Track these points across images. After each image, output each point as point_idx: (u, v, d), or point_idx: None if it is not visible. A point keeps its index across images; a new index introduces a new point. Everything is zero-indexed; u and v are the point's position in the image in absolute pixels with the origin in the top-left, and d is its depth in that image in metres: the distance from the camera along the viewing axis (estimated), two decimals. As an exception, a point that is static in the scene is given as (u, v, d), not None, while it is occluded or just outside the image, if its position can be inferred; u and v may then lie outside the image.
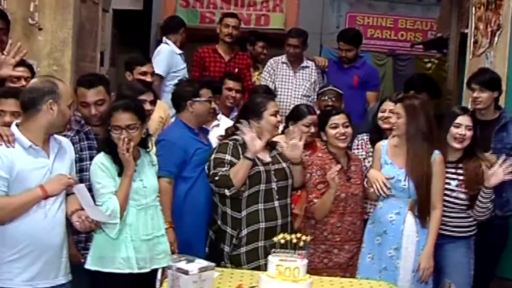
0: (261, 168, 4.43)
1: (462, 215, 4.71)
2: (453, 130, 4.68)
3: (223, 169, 4.36)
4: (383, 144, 4.72)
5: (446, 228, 4.68)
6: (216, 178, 4.36)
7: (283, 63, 6.84)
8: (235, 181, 4.31)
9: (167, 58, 6.37)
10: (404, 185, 4.55)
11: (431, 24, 11.12)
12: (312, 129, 5.05)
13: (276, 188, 4.46)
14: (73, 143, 4.09)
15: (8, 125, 3.72)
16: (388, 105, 5.11)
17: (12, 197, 3.52)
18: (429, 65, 11.43)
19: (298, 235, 3.86)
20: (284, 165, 4.56)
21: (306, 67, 6.85)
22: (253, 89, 6.25)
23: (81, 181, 4.03)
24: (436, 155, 4.55)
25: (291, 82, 6.81)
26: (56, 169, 3.68)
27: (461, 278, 4.67)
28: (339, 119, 4.79)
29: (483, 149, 4.88)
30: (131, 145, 3.91)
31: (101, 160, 3.98)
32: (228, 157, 4.41)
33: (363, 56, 7.56)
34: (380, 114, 5.18)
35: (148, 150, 4.24)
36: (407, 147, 4.57)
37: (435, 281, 4.71)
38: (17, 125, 3.65)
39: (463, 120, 4.70)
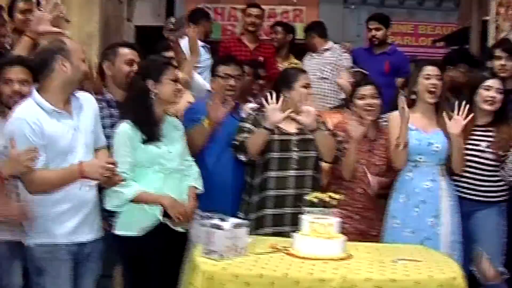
0: (276, 137, 4.50)
1: (493, 179, 4.71)
2: (483, 92, 4.70)
3: (243, 135, 4.51)
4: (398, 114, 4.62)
5: (476, 193, 4.70)
6: (235, 143, 4.53)
7: None
8: (250, 148, 4.44)
9: (185, 50, 6.42)
10: (437, 147, 4.58)
11: (452, 29, 11.10)
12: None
13: (296, 158, 4.53)
14: None
15: (18, 93, 3.81)
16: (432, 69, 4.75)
17: (51, 171, 3.61)
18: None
19: (331, 194, 3.93)
20: (311, 136, 4.58)
21: (327, 49, 7.02)
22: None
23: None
24: None
25: (307, 66, 6.91)
26: (81, 129, 3.76)
27: (493, 247, 4.67)
28: (366, 90, 4.78)
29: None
30: None
31: (124, 129, 4.03)
32: (248, 125, 4.57)
33: (392, 43, 7.65)
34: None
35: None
36: (442, 107, 4.63)
37: (467, 249, 4.69)
38: (37, 90, 3.69)
39: (494, 83, 4.72)
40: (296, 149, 4.54)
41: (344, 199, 4.56)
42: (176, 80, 4.16)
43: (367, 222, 4.75)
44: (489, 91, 4.69)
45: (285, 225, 4.46)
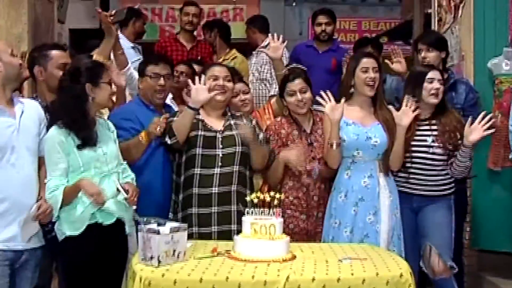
0: (200, 132, 4.52)
1: (441, 173, 4.74)
2: (427, 86, 4.73)
3: (174, 119, 4.55)
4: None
5: (425, 188, 4.73)
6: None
7: None
8: (175, 129, 4.46)
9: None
10: (376, 141, 4.57)
11: (395, 24, 11.22)
12: (242, 97, 5.10)
13: (221, 155, 4.52)
14: None
15: None
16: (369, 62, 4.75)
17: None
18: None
19: (272, 193, 3.90)
20: (235, 132, 4.59)
21: (264, 47, 6.82)
22: None
23: None
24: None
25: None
26: (23, 130, 3.86)
27: (441, 240, 4.70)
28: (295, 85, 4.80)
29: None
30: None
31: (55, 134, 3.97)
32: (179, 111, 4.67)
33: (335, 38, 7.72)
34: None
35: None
36: (379, 99, 4.67)
37: (415, 245, 4.73)
38: None
39: (434, 74, 4.78)
40: (221, 146, 4.54)
41: (289, 197, 4.66)
42: (110, 83, 4.15)
43: (313, 221, 4.75)
44: (433, 83, 4.73)
45: (211, 225, 4.46)
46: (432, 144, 4.71)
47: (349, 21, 12.09)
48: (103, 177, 4.03)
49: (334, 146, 4.49)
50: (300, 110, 4.77)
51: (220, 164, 4.49)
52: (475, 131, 4.50)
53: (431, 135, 4.72)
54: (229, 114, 4.72)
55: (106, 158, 4.06)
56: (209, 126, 4.57)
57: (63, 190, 3.87)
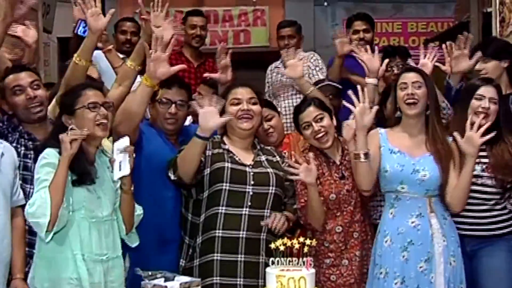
0: (228, 164, 4.54)
1: (496, 208, 4.68)
2: (474, 103, 4.68)
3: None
4: (380, 131, 4.68)
5: (478, 227, 4.68)
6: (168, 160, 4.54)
7: None
8: (180, 161, 4.42)
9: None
10: (424, 175, 4.53)
11: (449, 25, 11.16)
12: (266, 125, 5.20)
13: (251, 193, 4.54)
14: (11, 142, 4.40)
15: None
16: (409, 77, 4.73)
17: None
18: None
19: (301, 239, 3.87)
20: (270, 170, 4.64)
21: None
22: None
23: (24, 180, 4.33)
24: (450, 141, 4.60)
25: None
26: (3, 171, 4.08)
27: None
28: (308, 115, 4.84)
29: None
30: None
31: (48, 152, 3.98)
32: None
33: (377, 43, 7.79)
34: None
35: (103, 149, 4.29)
36: (431, 123, 4.59)
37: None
38: None
39: (487, 91, 4.70)
40: (252, 182, 4.56)
41: (322, 245, 4.71)
42: (91, 106, 4.07)
43: (361, 261, 4.79)
44: (482, 101, 4.68)
45: (237, 276, 4.46)
46: (482, 174, 4.68)
47: (392, 22, 12.11)
48: (94, 222, 4.03)
49: (362, 157, 4.49)
50: (322, 144, 4.80)
51: (249, 204, 4.51)
52: None
53: (480, 162, 4.66)
54: (258, 147, 4.77)
55: (100, 202, 4.07)
56: (237, 159, 4.60)
57: (48, 187, 3.84)
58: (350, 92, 4.58)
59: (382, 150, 4.60)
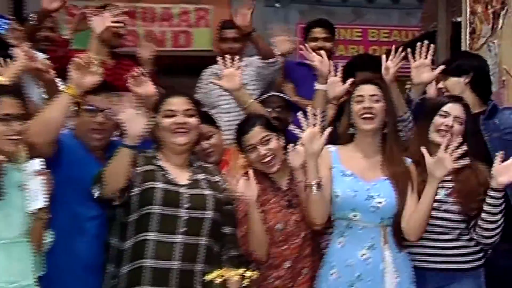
0: (159, 184, 4.34)
1: (462, 238, 4.62)
2: (437, 119, 4.67)
3: None
4: (331, 150, 4.51)
5: (441, 259, 4.59)
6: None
7: None
8: (106, 176, 4.26)
9: None
10: (379, 202, 4.36)
11: (414, 34, 10.97)
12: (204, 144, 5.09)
13: (185, 218, 4.31)
14: None
15: None
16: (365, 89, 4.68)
17: None
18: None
19: (240, 270, 3.91)
20: (207, 192, 4.45)
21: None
22: None
23: None
24: (409, 163, 4.54)
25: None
26: None
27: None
28: (252, 136, 4.71)
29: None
30: None
31: None
32: None
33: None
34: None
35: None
36: (389, 143, 4.51)
37: None
38: None
39: (453, 109, 4.70)
40: (186, 205, 4.35)
41: (265, 280, 4.56)
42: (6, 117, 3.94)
43: None
44: (446, 118, 4.69)
45: None
46: (445, 199, 4.60)
47: (351, 28, 11.76)
48: (2, 245, 3.86)
49: (314, 189, 4.27)
50: (268, 169, 4.68)
51: (183, 230, 4.31)
52: (507, 169, 4.36)
53: (444, 187, 4.56)
54: (196, 164, 4.61)
55: (9, 221, 3.90)
56: (170, 178, 4.42)
57: None
58: (299, 115, 4.41)
59: (333, 172, 4.47)
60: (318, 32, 7.04)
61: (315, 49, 6.30)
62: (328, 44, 6.97)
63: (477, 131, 4.93)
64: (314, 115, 4.36)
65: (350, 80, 5.35)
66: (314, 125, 4.34)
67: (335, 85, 5.32)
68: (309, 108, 4.45)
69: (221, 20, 7.79)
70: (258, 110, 5.14)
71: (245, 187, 4.40)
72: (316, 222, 4.44)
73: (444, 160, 4.28)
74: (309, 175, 4.33)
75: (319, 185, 4.29)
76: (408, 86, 5.49)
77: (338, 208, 4.43)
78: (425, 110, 4.86)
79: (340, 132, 4.71)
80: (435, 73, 5.09)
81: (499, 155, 4.36)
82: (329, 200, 4.41)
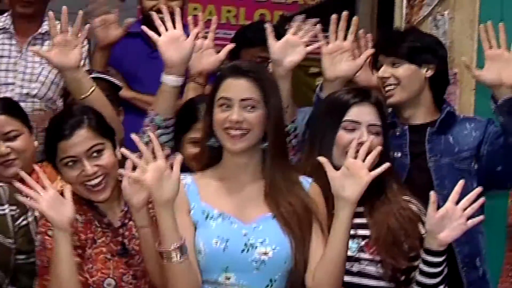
0: None
1: None
2: (343, 137, 3.75)
3: None
4: (185, 181, 3.56)
5: None
6: None
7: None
8: None
9: None
10: (265, 253, 3.53)
11: None
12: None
13: None
14: None
15: None
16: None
17: None
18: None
19: None
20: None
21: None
22: None
23: None
24: (309, 183, 3.63)
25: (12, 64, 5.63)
26: None
27: None
28: (76, 144, 3.76)
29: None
30: None
31: None
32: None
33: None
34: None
35: None
36: (272, 165, 3.62)
37: None
38: None
39: (362, 113, 3.77)
40: None
41: None
42: None
43: None
44: (353, 132, 3.76)
45: None
46: (359, 255, 3.72)
47: None
48: None
49: (175, 256, 3.37)
50: (95, 196, 3.75)
51: None
52: (449, 220, 3.50)
53: (356, 236, 3.70)
54: None
55: None
56: None
57: None
58: (133, 136, 3.49)
59: (192, 215, 3.52)
60: None
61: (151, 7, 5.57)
62: (173, 3, 5.62)
63: (419, 152, 4.19)
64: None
65: (228, 47, 4.40)
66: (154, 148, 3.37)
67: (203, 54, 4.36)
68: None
69: None
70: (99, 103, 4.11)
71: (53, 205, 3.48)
72: None
73: (356, 169, 3.41)
74: (163, 235, 3.38)
75: (181, 249, 3.34)
76: (318, 82, 4.55)
77: (203, 269, 3.48)
78: (323, 117, 3.85)
79: (198, 151, 3.76)
80: (359, 61, 4.14)
81: (456, 189, 3.45)
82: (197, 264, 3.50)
